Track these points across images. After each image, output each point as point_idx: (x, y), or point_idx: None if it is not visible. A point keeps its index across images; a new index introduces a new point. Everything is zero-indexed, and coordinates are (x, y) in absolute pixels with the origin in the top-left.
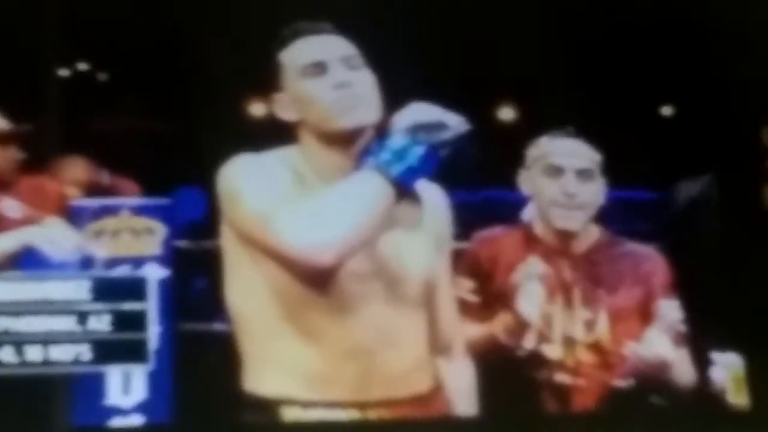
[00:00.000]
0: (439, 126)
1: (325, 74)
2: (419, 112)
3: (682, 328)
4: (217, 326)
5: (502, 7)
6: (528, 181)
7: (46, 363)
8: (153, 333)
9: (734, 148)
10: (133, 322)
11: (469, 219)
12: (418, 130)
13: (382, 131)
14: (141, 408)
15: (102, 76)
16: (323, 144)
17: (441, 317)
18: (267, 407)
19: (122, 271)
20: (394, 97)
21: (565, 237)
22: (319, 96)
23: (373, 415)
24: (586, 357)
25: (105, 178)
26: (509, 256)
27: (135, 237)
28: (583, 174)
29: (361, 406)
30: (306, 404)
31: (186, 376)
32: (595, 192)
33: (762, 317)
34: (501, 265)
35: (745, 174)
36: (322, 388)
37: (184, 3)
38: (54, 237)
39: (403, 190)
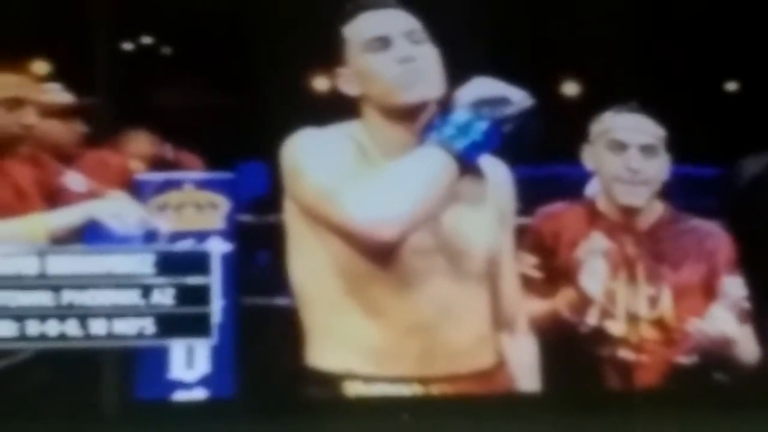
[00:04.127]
0: (502, 101)
1: (389, 49)
2: (483, 86)
3: (746, 305)
4: (280, 301)
5: None
6: (592, 156)
7: (109, 336)
8: (216, 307)
9: None
10: (197, 296)
11: (532, 194)
12: (481, 104)
13: (445, 106)
14: (204, 382)
15: (166, 50)
16: (386, 119)
17: (504, 293)
18: (329, 382)
19: (186, 245)
20: (457, 72)
21: (629, 213)
22: (383, 70)
23: (435, 390)
24: (649, 333)
25: (169, 152)
26: (572, 232)
27: (198, 211)
28: (647, 149)
29: (424, 381)
30: (368, 379)
31: (249, 350)
32: (659, 168)
33: None
34: (564, 240)
35: None
36: (384, 364)
37: None
38: (118, 211)
39: (467, 165)
